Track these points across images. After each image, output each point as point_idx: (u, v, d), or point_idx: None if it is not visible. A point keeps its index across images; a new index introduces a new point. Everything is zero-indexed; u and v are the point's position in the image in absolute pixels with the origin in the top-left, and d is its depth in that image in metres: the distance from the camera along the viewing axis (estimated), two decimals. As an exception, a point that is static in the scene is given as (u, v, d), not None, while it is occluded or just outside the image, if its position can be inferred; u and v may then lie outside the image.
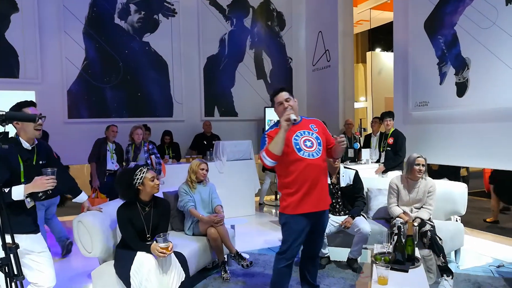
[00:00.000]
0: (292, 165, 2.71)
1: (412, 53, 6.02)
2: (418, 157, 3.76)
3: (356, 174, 3.99)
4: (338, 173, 3.97)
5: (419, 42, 5.87)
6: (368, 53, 12.03)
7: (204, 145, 6.97)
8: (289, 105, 2.73)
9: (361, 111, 12.38)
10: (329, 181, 3.94)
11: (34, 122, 2.31)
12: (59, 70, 6.65)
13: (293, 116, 2.59)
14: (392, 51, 6.79)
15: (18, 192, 2.24)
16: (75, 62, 6.77)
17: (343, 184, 3.94)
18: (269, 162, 2.64)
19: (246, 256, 3.83)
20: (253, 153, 6.65)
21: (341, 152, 2.95)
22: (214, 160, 6.28)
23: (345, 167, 4.06)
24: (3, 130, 1.85)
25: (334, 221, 3.87)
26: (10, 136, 2.34)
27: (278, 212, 2.99)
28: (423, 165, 3.73)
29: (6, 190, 2.20)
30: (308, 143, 2.75)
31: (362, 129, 8.41)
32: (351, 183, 3.94)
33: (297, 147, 2.71)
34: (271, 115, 8.13)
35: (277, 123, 2.79)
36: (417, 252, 2.99)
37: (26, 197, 2.30)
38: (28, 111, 2.39)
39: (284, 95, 2.77)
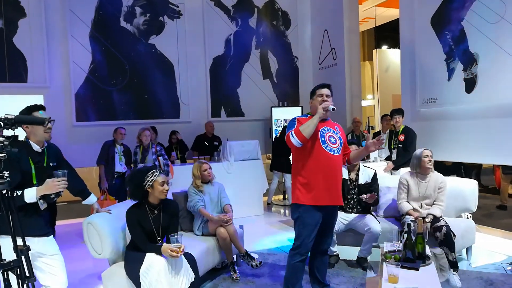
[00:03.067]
0: (315, 155, 2.82)
1: (419, 50, 5.97)
2: (424, 149, 3.85)
3: (375, 174, 4.02)
4: (358, 170, 3.98)
5: (426, 38, 5.82)
6: (374, 51, 11.96)
7: (205, 146, 6.96)
8: (328, 100, 2.89)
9: (369, 109, 12.30)
10: (346, 176, 3.95)
11: (43, 125, 2.33)
12: (66, 74, 6.71)
13: (331, 106, 2.81)
14: (398, 48, 6.75)
15: (30, 195, 2.26)
16: (82, 65, 6.82)
17: (361, 181, 3.94)
18: (296, 142, 2.75)
19: (255, 256, 3.82)
20: (260, 153, 6.64)
21: (360, 158, 3.16)
22: (221, 161, 6.28)
23: (364, 166, 4.08)
24: (13, 134, 1.86)
25: (344, 219, 3.87)
26: (20, 139, 2.36)
27: (290, 205, 3.01)
28: (431, 156, 3.81)
29: (19, 192, 2.23)
30: (333, 139, 2.90)
31: (370, 127, 8.37)
32: (370, 181, 3.95)
33: (322, 139, 2.84)
34: (278, 115, 8.13)
35: (307, 115, 2.97)
36: (428, 250, 2.97)
37: (39, 199, 2.32)
38: (38, 114, 2.41)
39: (327, 91, 2.93)
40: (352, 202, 3.97)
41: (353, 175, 3.99)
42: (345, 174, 3.99)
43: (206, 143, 7.02)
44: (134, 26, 7.23)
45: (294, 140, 2.75)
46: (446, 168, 6.45)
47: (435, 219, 3.58)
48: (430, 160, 3.78)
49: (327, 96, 2.90)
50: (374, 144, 2.87)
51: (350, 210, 3.95)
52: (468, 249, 4.02)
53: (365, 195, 3.73)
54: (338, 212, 3.91)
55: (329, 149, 2.84)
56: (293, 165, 2.97)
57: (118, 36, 7.09)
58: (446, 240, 3.42)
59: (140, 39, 7.27)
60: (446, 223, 3.53)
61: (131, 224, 2.92)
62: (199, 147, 7.01)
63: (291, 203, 3.00)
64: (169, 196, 3.60)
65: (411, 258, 2.74)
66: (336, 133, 2.95)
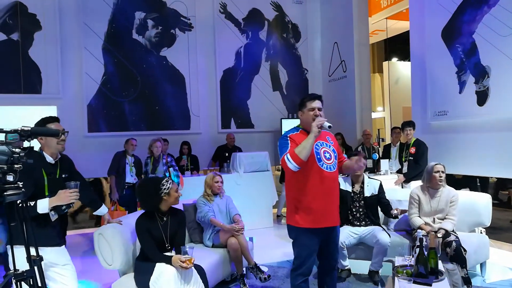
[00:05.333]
0: (310, 175, 2.63)
1: (429, 62, 5.95)
2: (436, 164, 3.76)
3: (381, 185, 4.00)
4: (363, 182, 3.95)
5: (436, 51, 5.81)
6: (385, 63, 11.93)
7: (225, 156, 7.02)
8: (320, 114, 2.68)
9: (379, 121, 12.23)
10: (350, 189, 3.92)
11: (58, 137, 2.36)
12: (79, 85, 6.81)
13: (327, 124, 2.55)
14: (409, 61, 6.74)
15: (43, 206, 2.29)
16: (94, 77, 6.92)
17: (367, 193, 3.91)
18: (293, 166, 2.54)
19: (265, 269, 3.80)
20: (270, 164, 6.64)
21: (351, 171, 3.00)
22: (231, 172, 6.29)
23: (369, 178, 4.05)
24: (28, 145, 1.89)
25: (354, 232, 3.83)
26: (34, 150, 2.40)
27: (287, 225, 2.88)
28: (442, 171, 3.72)
29: (32, 203, 2.25)
30: (327, 155, 2.71)
31: (380, 139, 8.31)
32: (376, 193, 3.91)
33: (318, 157, 2.66)
34: (287, 127, 8.10)
35: (298, 128, 2.79)
36: (441, 265, 2.92)
37: (50, 210, 2.34)
38: (52, 126, 2.45)
39: (318, 103, 2.71)
40: (358, 215, 3.94)
41: (357, 188, 3.96)
42: (347, 186, 3.96)
43: (226, 153, 7.05)
44: (146, 39, 7.34)
45: (291, 164, 2.53)
46: (457, 181, 6.35)
47: (446, 233, 3.53)
48: (441, 176, 3.70)
49: (319, 109, 2.68)
50: (356, 162, 2.77)
51: (358, 223, 3.91)
52: (482, 265, 3.94)
53: (395, 211, 3.70)
54: (346, 226, 3.90)
55: (325, 167, 2.65)
56: (287, 185, 2.80)
57: (130, 48, 7.19)
58: (456, 256, 3.36)
59: (152, 51, 7.37)
60: (457, 238, 3.47)
61: (141, 233, 2.96)
62: (219, 157, 7.10)
63: (287, 224, 2.86)
64: (180, 207, 3.64)
65: (424, 274, 2.70)
66: (329, 146, 2.76)
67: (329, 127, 2.57)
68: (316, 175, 2.64)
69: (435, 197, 3.75)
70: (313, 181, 2.64)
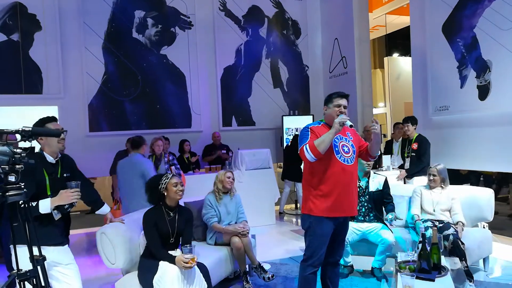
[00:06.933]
0: (328, 166, 2.74)
1: (430, 57, 5.93)
2: (430, 167, 3.98)
3: (386, 180, 4.02)
4: (369, 177, 3.95)
5: (437, 45, 5.79)
6: (386, 59, 11.91)
7: (213, 155, 7.03)
8: (345, 112, 2.79)
9: (380, 117, 12.21)
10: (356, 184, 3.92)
11: (58, 137, 2.37)
12: (80, 85, 6.82)
13: (349, 122, 2.67)
14: (410, 56, 6.71)
15: (45, 206, 2.30)
16: (95, 76, 6.93)
17: (373, 188, 3.92)
18: (310, 157, 2.66)
19: (268, 266, 3.80)
20: (271, 162, 6.64)
21: (377, 148, 2.91)
22: (233, 170, 6.28)
23: (375, 173, 4.07)
24: (29, 146, 1.89)
25: (356, 229, 3.83)
26: (35, 151, 2.40)
27: (301, 215, 2.96)
28: (433, 175, 3.89)
29: (34, 204, 2.26)
30: (346, 149, 2.82)
31: (382, 135, 8.30)
32: (381, 188, 3.93)
33: (336, 149, 2.76)
34: (289, 124, 8.13)
35: (320, 122, 2.90)
36: (443, 261, 2.91)
37: (53, 210, 2.35)
38: (51, 126, 2.45)
39: (345, 102, 2.83)
40: (363, 210, 3.94)
41: (363, 182, 3.96)
42: None
43: (213, 152, 7.06)
44: (146, 37, 7.33)
45: (309, 155, 2.66)
46: (461, 177, 6.33)
47: (445, 226, 3.57)
48: (431, 180, 3.90)
49: (344, 107, 2.80)
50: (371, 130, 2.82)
51: (362, 219, 3.92)
52: (485, 260, 3.94)
53: (390, 215, 3.74)
54: (350, 222, 3.89)
55: (343, 159, 2.76)
56: (305, 176, 2.89)
57: (130, 47, 7.19)
58: (454, 249, 3.38)
59: (152, 50, 7.37)
60: (455, 231, 3.50)
61: (148, 226, 2.99)
62: (208, 156, 7.07)
63: (301, 213, 2.95)
64: (181, 205, 3.64)
65: (426, 269, 2.70)
66: (348, 140, 2.86)
67: (351, 126, 2.71)
68: (334, 167, 2.75)
69: (436, 192, 3.91)
70: (331, 172, 2.74)
